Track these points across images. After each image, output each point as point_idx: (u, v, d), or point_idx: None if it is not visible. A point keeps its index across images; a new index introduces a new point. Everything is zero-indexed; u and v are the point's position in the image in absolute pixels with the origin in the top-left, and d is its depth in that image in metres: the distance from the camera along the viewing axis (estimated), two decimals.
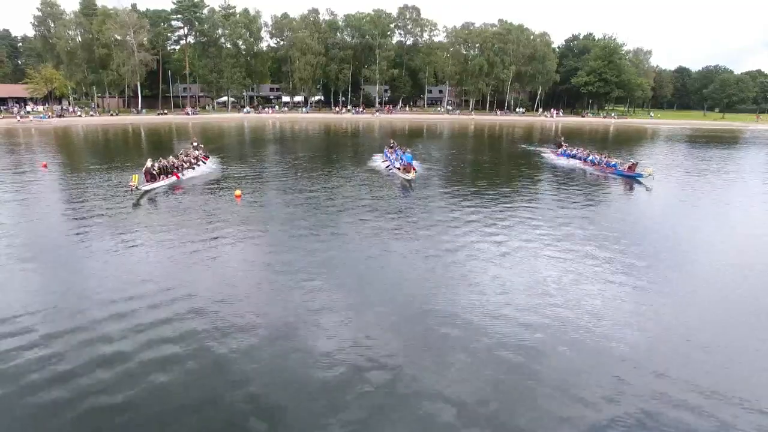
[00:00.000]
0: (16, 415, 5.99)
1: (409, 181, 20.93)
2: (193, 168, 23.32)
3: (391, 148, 28.24)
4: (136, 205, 16.62)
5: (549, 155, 32.95)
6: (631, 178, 23.53)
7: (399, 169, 22.71)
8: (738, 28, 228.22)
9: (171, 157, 22.44)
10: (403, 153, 24.13)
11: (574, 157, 29.78)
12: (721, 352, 7.72)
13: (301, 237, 13.10)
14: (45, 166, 24.99)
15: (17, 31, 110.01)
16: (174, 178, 20.68)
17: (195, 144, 28.07)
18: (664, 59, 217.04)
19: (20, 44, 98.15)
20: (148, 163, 19.57)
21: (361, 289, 9.75)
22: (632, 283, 10.18)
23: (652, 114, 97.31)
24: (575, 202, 18.52)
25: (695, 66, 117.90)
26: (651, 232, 14.62)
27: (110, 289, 9.50)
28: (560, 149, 32.49)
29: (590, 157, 28.01)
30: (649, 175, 22.72)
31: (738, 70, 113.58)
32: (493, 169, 28.73)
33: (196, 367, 6.97)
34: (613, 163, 25.91)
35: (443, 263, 11.18)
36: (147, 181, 18.99)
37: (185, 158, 23.28)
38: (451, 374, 6.91)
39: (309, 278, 10.12)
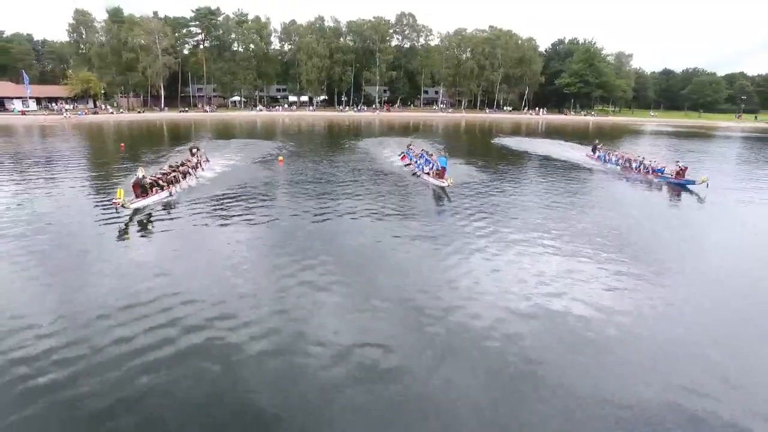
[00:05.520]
0: (18, 415, 6.06)
1: (443, 188, 19.09)
2: (194, 175, 20.89)
3: (410, 148, 27.05)
4: (124, 230, 13.55)
5: (584, 158, 30.49)
6: (680, 186, 21.17)
7: (429, 174, 21.01)
8: (736, 31, 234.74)
9: (166, 166, 19.74)
10: (429, 155, 23.22)
11: (611, 161, 27.35)
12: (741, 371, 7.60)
13: (324, 237, 13.31)
14: (123, 148, 31.81)
15: (38, 35, 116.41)
16: (170, 190, 17.62)
17: (195, 150, 25.11)
18: (659, 62, 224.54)
19: (40, 48, 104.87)
20: (139, 174, 16.42)
21: (385, 294, 9.71)
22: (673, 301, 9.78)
23: (652, 113, 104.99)
24: (614, 213, 16.78)
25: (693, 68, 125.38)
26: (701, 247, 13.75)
27: (118, 280, 10.11)
28: (596, 152, 29.87)
29: (632, 163, 25.25)
30: (703, 182, 20.06)
31: (735, 72, 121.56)
32: (526, 175, 25.74)
33: (197, 366, 7.13)
34: (660, 168, 23.05)
35: (476, 272, 10.96)
36: (137, 197, 15.78)
37: (183, 168, 20.25)
38: (455, 376, 7.05)
39: (320, 279, 10.37)
